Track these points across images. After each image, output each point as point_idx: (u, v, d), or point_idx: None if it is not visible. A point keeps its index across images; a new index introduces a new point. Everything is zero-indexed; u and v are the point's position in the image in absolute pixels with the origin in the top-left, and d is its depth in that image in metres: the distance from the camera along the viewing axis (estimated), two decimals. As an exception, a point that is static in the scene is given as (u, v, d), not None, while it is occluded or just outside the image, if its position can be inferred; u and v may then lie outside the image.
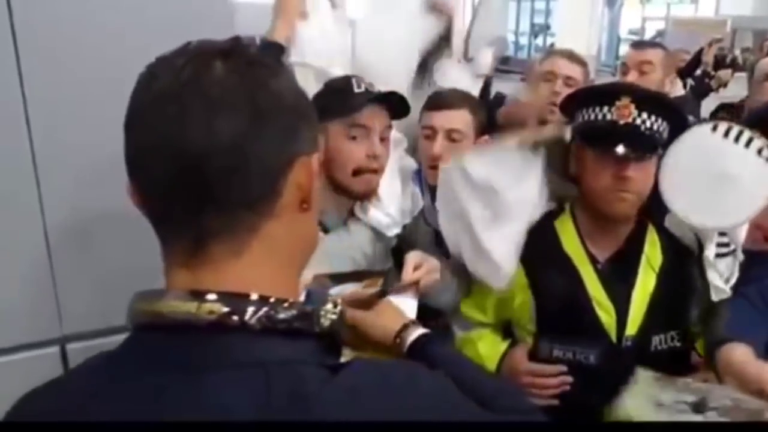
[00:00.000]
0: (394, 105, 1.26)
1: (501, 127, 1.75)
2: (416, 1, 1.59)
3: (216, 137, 0.51)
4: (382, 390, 0.52)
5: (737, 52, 8.14)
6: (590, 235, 1.28)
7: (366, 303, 0.97)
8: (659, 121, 1.19)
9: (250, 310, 0.51)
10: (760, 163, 1.17)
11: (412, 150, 1.50)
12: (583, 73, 1.93)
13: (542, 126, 1.50)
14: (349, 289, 1.01)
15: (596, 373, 1.22)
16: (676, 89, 2.81)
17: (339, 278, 1.04)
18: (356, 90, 1.23)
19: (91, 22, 1.05)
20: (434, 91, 1.50)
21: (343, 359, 0.57)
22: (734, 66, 5.46)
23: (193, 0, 1.10)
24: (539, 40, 13.07)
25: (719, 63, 5.00)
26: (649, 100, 1.20)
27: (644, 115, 1.17)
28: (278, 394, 0.48)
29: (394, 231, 1.35)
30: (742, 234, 1.25)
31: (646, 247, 1.27)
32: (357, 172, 1.23)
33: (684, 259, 1.29)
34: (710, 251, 1.23)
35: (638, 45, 2.48)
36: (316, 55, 1.41)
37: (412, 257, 1.11)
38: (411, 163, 1.48)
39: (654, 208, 1.27)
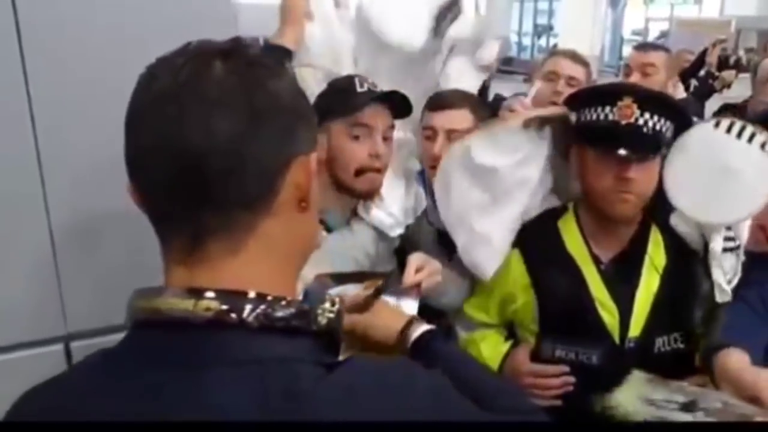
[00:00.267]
0: (397, 104, 1.26)
1: None
2: None
3: (213, 137, 0.51)
4: (377, 388, 0.52)
5: (741, 52, 8.11)
6: (593, 236, 1.27)
7: (362, 307, 0.97)
8: (662, 120, 1.18)
9: (248, 307, 0.52)
10: (763, 158, 1.17)
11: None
12: (585, 73, 1.93)
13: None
14: (350, 289, 1.01)
15: (599, 374, 1.21)
16: (678, 92, 2.81)
17: (340, 278, 1.04)
18: (359, 89, 1.23)
19: (95, 23, 1.05)
20: (435, 91, 1.50)
21: (341, 358, 0.57)
22: (738, 67, 5.44)
23: (196, 1, 1.11)
24: (542, 41, 13.05)
25: (723, 64, 4.98)
26: (652, 100, 1.19)
27: (646, 115, 1.16)
28: (274, 392, 0.49)
29: (397, 231, 1.35)
30: (746, 231, 1.25)
31: (650, 248, 1.26)
32: (359, 172, 1.23)
33: (688, 260, 1.28)
34: (717, 244, 1.22)
35: (641, 47, 2.49)
36: (322, 55, 1.41)
37: (414, 259, 1.11)
38: (414, 164, 1.49)
39: (658, 208, 1.27)
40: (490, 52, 1.64)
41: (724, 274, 1.24)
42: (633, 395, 1.06)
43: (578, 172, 1.26)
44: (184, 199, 0.53)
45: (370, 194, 1.28)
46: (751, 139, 1.18)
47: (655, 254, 1.26)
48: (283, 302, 0.53)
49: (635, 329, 1.22)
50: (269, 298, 0.53)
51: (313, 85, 1.33)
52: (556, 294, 1.25)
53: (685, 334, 1.26)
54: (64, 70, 1.05)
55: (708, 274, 1.25)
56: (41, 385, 0.57)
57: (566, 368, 1.24)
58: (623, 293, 1.24)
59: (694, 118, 1.37)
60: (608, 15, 12.28)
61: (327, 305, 0.56)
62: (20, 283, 1.09)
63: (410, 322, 0.93)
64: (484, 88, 2.09)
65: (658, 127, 1.17)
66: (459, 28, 1.53)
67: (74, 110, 1.06)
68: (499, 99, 2.08)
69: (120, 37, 1.04)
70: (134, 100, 0.55)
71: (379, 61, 1.44)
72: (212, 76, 0.52)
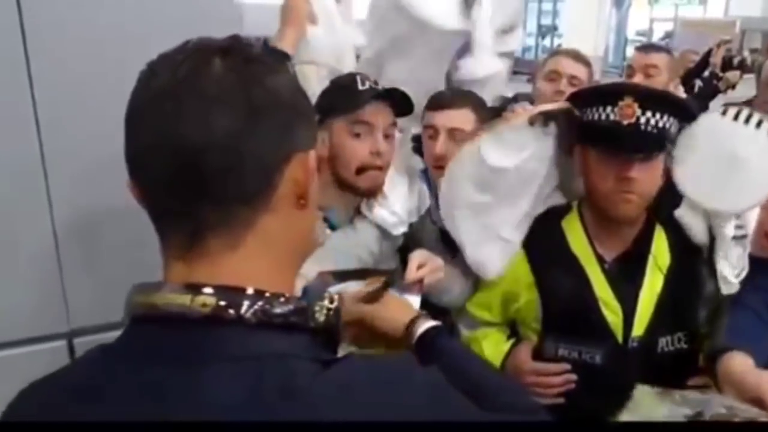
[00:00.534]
0: (398, 102, 1.26)
1: None
2: None
3: (211, 133, 0.51)
4: (373, 385, 0.52)
5: (746, 53, 8.07)
6: (597, 235, 1.27)
7: (372, 298, 0.98)
8: (665, 118, 1.17)
9: (246, 303, 0.52)
10: None
11: None
12: (587, 72, 1.93)
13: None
14: (352, 286, 1.02)
15: (602, 373, 1.21)
16: (678, 94, 2.81)
17: (342, 276, 1.04)
18: (360, 87, 1.23)
19: (98, 24, 1.06)
20: (437, 91, 1.50)
21: (344, 353, 0.57)
22: (743, 68, 5.41)
23: (200, 2, 1.11)
24: (546, 41, 13.02)
25: (727, 64, 4.96)
26: (653, 99, 1.18)
27: (648, 114, 1.15)
28: (270, 388, 0.49)
29: (400, 230, 1.35)
30: (754, 220, 1.24)
31: (654, 248, 1.26)
32: (361, 170, 1.23)
33: (692, 260, 1.28)
34: (729, 230, 1.22)
35: (644, 48, 2.48)
36: (323, 51, 1.41)
37: (416, 256, 1.11)
38: (417, 162, 1.49)
39: (662, 206, 1.26)
40: (515, 39, 1.62)
41: (731, 266, 1.23)
42: (639, 417, 1.05)
43: (581, 171, 1.26)
44: (182, 194, 0.53)
45: (372, 192, 1.28)
46: (758, 125, 1.18)
47: (659, 254, 1.26)
48: (282, 299, 0.53)
49: (639, 329, 1.22)
50: (267, 294, 0.53)
51: (315, 83, 1.33)
52: (560, 293, 1.25)
53: (689, 335, 1.26)
54: (67, 70, 1.06)
55: (712, 273, 1.25)
56: (39, 381, 0.57)
57: (568, 366, 1.24)
58: (627, 293, 1.23)
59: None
60: (613, 15, 12.25)
61: (325, 302, 0.56)
62: (23, 279, 1.10)
63: (417, 317, 0.93)
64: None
65: (660, 125, 1.17)
66: (488, 14, 1.50)
67: (77, 109, 1.07)
68: (504, 99, 2.08)
69: (123, 38, 1.05)
70: (134, 97, 0.55)
71: (408, 43, 1.40)
72: (211, 73, 0.52)
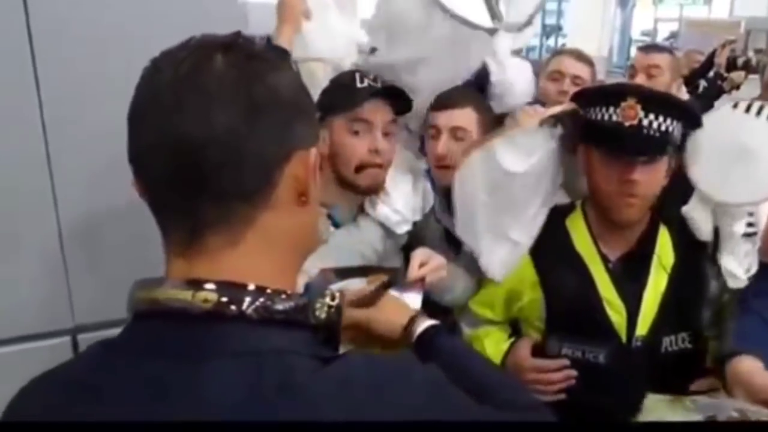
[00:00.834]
0: (397, 100, 1.26)
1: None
2: None
3: (212, 129, 0.51)
4: (372, 382, 0.51)
5: (751, 53, 8.03)
6: (602, 234, 1.27)
7: (368, 301, 0.97)
8: (668, 120, 1.16)
9: (248, 300, 0.52)
10: None
11: None
12: (590, 72, 1.94)
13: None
14: (353, 284, 1.02)
15: (605, 373, 1.21)
16: (681, 95, 2.79)
17: (344, 273, 1.04)
18: (359, 85, 1.23)
19: (104, 23, 1.07)
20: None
21: (343, 352, 0.57)
22: (747, 68, 5.38)
23: (205, 2, 1.12)
24: (551, 41, 12.97)
25: (732, 65, 4.94)
26: (656, 101, 1.18)
27: (651, 116, 1.15)
28: (269, 385, 0.49)
29: (403, 228, 1.35)
30: (765, 216, 1.24)
31: (658, 247, 1.26)
32: (360, 168, 1.23)
33: (697, 259, 1.27)
34: (739, 227, 1.22)
35: (646, 48, 2.47)
36: (320, 48, 1.40)
37: (418, 254, 1.11)
38: (421, 162, 1.49)
39: (667, 206, 1.26)
40: (526, 37, 1.61)
41: (739, 262, 1.22)
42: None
43: (585, 170, 1.26)
44: (182, 190, 0.53)
45: (373, 190, 1.28)
46: None
47: (664, 253, 1.25)
48: (283, 295, 0.53)
49: (642, 328, 1.22)
50: (269, 290, 0.53)
51: (321, 79, 1.33)
52: (564, 292, 1.25)
53: (693, 335, 1.26)
54: (73, 70, 1.06)
55: (716, 272, 1.25)
56: (40, 377, 0.57)
57: (567, 362, 1.23)
58: (631, 292, 1.23)
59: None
60: (617, 15, 12.19)
61: (327, 299, 0.56)
62: (29, 276, 1.10)
63: (414, 318, 0.93)
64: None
65: (663, 128, 1.16)
66: (511, 11, 1.48)
67: (83, 108, 1.07)
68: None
69: (128, 38, 1.06)
70: (137, 93, 0.56)
71: (455, 46, 1.37)
72: (212, 69, 0.53)
